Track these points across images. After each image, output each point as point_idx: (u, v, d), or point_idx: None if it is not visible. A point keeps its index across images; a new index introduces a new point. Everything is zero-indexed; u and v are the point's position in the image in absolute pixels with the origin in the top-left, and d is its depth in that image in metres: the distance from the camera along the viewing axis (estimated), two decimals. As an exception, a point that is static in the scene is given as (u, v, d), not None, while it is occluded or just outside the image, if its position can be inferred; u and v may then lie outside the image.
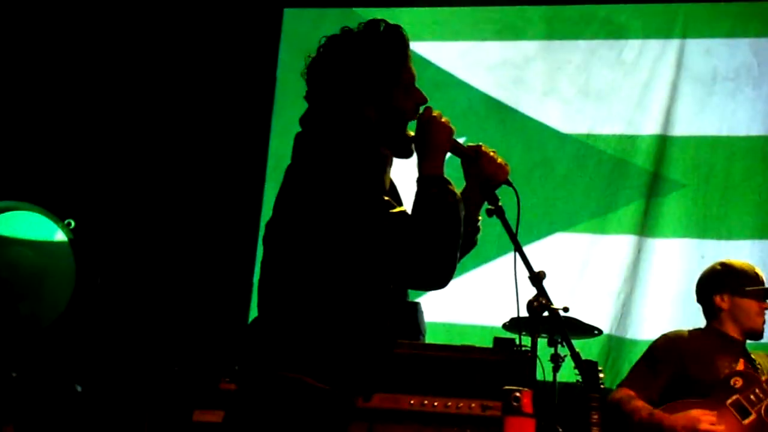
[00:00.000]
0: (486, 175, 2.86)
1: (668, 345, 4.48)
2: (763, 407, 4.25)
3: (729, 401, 4.27)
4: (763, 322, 4.48)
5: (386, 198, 2.63)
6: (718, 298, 4.48)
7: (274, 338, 2.65)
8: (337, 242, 2.59)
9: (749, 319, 4.45)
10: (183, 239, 6.48)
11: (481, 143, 2.91)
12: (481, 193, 2.89)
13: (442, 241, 2.59)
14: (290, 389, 2.60)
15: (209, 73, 6.74)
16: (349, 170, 2.61)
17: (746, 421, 4.22)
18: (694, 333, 4.52)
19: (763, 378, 4.30)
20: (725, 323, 4.46)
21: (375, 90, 2.76)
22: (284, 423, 2.59)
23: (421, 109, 2.82)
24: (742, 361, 4.41)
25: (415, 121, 2.81)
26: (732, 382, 4.33)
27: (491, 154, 2.88)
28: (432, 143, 2.74)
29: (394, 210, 2.60)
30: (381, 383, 2.78)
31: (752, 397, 4.26)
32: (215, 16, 6.85)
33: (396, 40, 2.83)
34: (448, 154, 2.81)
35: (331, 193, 2.60)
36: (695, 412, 4.20)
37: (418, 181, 2.70)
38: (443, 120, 2.77)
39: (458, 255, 2.69)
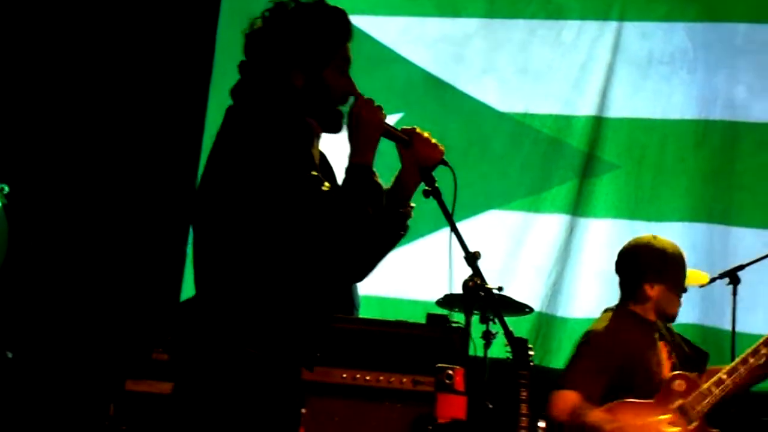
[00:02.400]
0: (421, 158, 2.86)
1: (609, 342, 4.30)
2: (704, 413, 4.29)
3: (674, 406, 4.29)
4: (680, 306, 4.43)
5: (314, 173, 2.64)
6: (647, 287, 4.36)
7: (215, 312, 2.66)
8: (267, 218, 2.61)
9: (669, 306, 4.38)
10: (117, 209, 6.40)
11: (415, 126, 2.91)
12: (419, 174, 2.89)
13: (358, 229, 2.63)
14: (238, 359, 2.62)
15: (147, 45, 6.63)
16: (276, 145, 2.63)
17: (690, 427, 4.26)
18: (623, 326, 4.35)
19: (703, 385, 4.32)
20: (647, 309, 4.37)
21: (307, 58, 2.77)
22: (236, 390, 2.62)
23: (352, 99, 2.82)
24: (663, 346, 4.45)
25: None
26: (676, 386, 4.33)
27: (425, 135, 2.87)
28: (361, 134, 2.75)
29: (322, 188, 2.62)
30: (321, 353, 2.79)
31: (696, 401, 4.28)
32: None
33: (340, 20, 2.84)
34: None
35: (258, 170, 2.61)
36: (653, 421, 4.21)
37: (346, 169, 2.73)
38: (375, 108, 2.78)
39: (384, 246, 2.76)
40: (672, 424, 4.21)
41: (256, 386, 2.64)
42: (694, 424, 4.23)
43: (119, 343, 5.17)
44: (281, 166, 2.61)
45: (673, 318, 4.46)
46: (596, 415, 4.21)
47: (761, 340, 4.28)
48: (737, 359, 4.35)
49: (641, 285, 4.38)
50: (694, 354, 4.48)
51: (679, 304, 4.44)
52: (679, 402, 4.31)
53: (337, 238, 2.61)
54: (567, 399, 4.25)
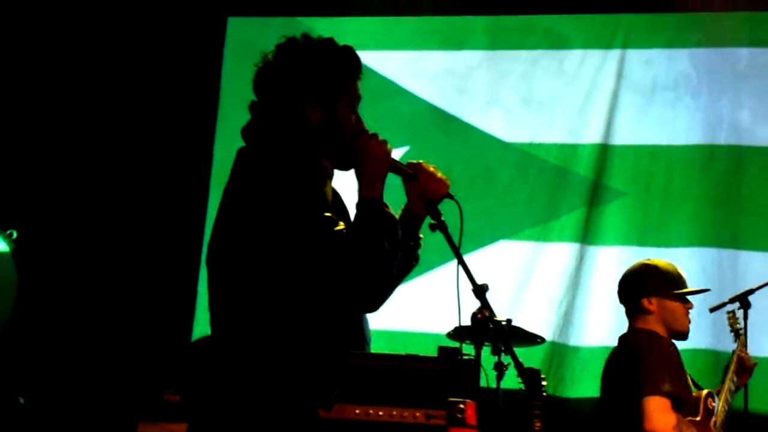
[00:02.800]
0: (427, 191, 2.87)
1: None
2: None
3: (712, 423, 4.31)
4: (689, 323, 4.46)
5: (328, 214, 2.63)
6: (645, 301, 4.41)
7: (232, 355, 2.65)
8: (282, 261, 2.60)
9: (676, 321, 4.40)
10: (126, 249, 6.41)
11: (421, 161, 2.92)
12: (425, 207, 2.90)
13: (377, 265, 2.62)
14: (256, 402, 2.61)
15: (154, 81, 6.69)
16: (289, 187, 2.62)
17: None
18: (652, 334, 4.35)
19: (720, 403, 4.36)
20: (655, 327, 4.38)
21: (322, 94, 2.77)
22: None
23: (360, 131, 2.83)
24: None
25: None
26: (709, 404, 4.34)
27: (431, 170, 2.89)
28: (369, 169, 2.75)
29: (337, 228, 2.61)
30: (338, 392, 2.79)
31: (719, 421, 4.32)
32: (160, 24, 6.79)
33: (350, 57, 2.85)
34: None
35: (273, 213, 2.60)
36: None
37: (357, 204, 2.72)
38: (380, 142, 2.78)
39: (396, 277, 2.73)
40: None
41: (274, 429, 2.62)
42: None
43: (131, 385, 5.16)
44: (296, 209, 2.60)
45: (684, 335, 4.44)
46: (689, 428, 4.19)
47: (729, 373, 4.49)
48: (728, 378, 4.41)
49: (639, 301, 4.42)
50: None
51: (686, 320, 4.44)
52: (714, 419, 4.33)
53: (355, 276, 2.59)
54: (664, 408, 4.09)
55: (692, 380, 4.43)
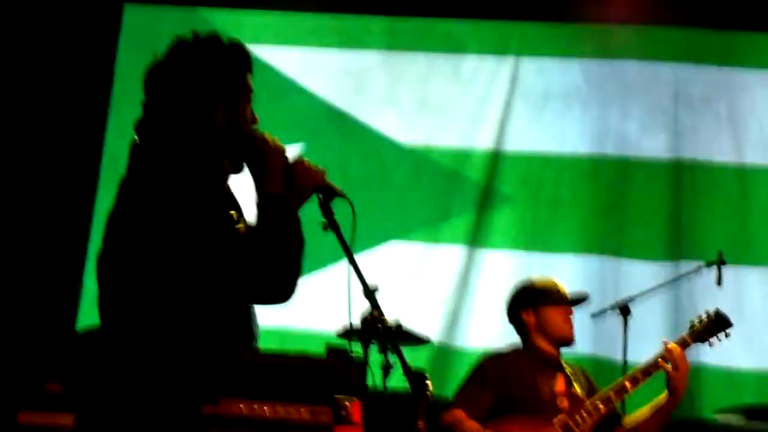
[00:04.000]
0: (299, 185, 2.79)
1: (492, 365, 4.58)
2: (587, 428, 4.40)
3: (556, 420, 4.41)
4: (571, 329, 4.61)
5: (232, 212, 2.65)
6: (524, 315, 4.62)
7: (121, 349, 2.62)
8: (179, 260, 2.57)
9: (557, 328, 4.58)
10: (12, 237, 6.24)
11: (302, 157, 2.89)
12: (303, 197, 2.86)
13: (287, 258, 2.63)
14: (142, 397, 2.59)
15: (44, 67, 6.50)
16: (187, 188, 2.60)
17: None
18: (514, 354, 4.63)
19: (588, 401, 4.45)
20: (537, 338, 4.59)
21: (224, 94, 2.74)
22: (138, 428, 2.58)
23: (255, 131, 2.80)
24: (560, 376, 4.58)
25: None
26: (558, 402, 4.48)
27: (304, 162, 2.82)
28: (269, 163, 2.73)
29: (238, 226, 2.63)
30: (225, 388, 2.80)
31: (578, 417, 4.41)
32: (54, 9, 6.60)
33: (241, 50, 2.81)
34: None
35: (171, 212, 2.57)
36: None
37: (259, 201, 2.70)
38: (275, 139, 2.77)
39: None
40: None
41: (158, 423, 2.60)
42: None
43: (11, 375, 5.03)
44: (198, 206, 2.58)
45: (568, 341, 4.61)
46: (473, 426, 4.33)
47: (640, 368, 4.45)
48: (623, 378, 4.52)
49: (518, 316, 4.65)
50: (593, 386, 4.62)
51: (567, 326, 4.60)
52: (561, 417, 4.43)
53: (266, 271, 2.59)
54: (452, 415, 4.40)
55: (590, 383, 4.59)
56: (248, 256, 2.57)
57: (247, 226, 2.68)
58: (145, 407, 2.59)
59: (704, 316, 4.66)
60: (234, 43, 2.82)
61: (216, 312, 2.67)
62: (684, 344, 4.51)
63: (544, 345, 4.59)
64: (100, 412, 2.62)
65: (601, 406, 4.44)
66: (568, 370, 4.60)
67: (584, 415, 4.41)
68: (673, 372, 4.39)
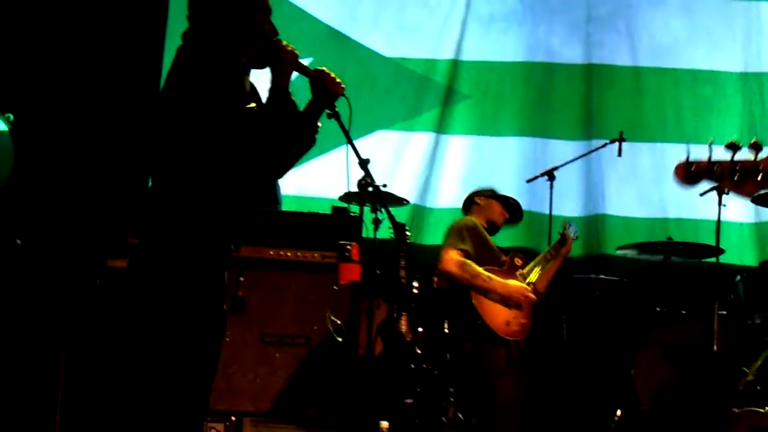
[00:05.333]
0: (328, 90, 2.84)
1: (474, 225, 4.69)
2: (536, 279, 4.61)
3: (519, 273, 4.50)
4: (502, 222, 4.83)
5: (245, 97, 2.66)
6: (477, 198, 4.82)
7: (164, 207, 2.63)
8: (207, 130, 2.59)
9: (494, 216, 4.79)
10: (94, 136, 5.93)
11: (324, 67, 2.87)
12: (325, 103, 2.86)
13: (282, 137, 2.65)
14: (179, 243, 2.59)
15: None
16: (214, 76, 2.62)
17: (531, 288, 4.56)
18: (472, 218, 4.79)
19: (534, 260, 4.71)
20: (477, 215, 4.79)
21: (243, 9, 2.74)
22: (176, 267, 2.58)
23: (275, 39, 2.80)
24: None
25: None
26: (515, 261, 4.58)
27: (332, 75, 2.86)
28: (281, 63, 2.74)
29: (249, 106, 2.64)
30: (246, 238, 2.81)
31: (530, 271, 4.63)
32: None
33: None
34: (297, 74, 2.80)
35: (201, 96, 2.59)
36: (515, 284, 4.44)
37: (270, 90, 2.72)
38: (290, 48, 2.78)
39: (298, 151, 2.76)
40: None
41: (194, 264, 2.61)
42: (532, 287, 4.47)
43: (101, 230, 4.95)
44: (218, 92, 2.60)
45: (497, 227, 4.84)
46: (477, 268, 4.39)
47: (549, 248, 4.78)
48: (553, 245, 4.62)
49: (473, 199, 4.88)
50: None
51: (501, 219, 4.85)
52: (519, 271, 4.49)
53: (265, 142, 2.61)
54: (454, 257, 4.44)
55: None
56: (252, 130, 2.59)
57: (259, 106, 2.68)
58: (183, 240, 2.60)
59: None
60: None
61: (237, 172, 2.66)
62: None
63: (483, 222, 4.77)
64: (152, 250, 2.62)
65: (537, 268, 4.60)
66: None
67: (533, 270, 4.59)
68: (565, 249, 4.77)
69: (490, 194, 4.87)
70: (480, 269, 4.45)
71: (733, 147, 2.45)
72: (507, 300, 4.41)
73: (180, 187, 2.61)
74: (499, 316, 4.41)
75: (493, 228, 4.78)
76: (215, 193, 2.63)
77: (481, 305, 4.40)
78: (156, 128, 2.68)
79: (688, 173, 2.47)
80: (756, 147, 2.43)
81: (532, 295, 4.43)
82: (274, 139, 2.62)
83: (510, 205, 4.88)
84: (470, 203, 4.88)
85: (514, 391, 4.33)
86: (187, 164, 2.60)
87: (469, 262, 4.46)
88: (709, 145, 2.49)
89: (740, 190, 2.45)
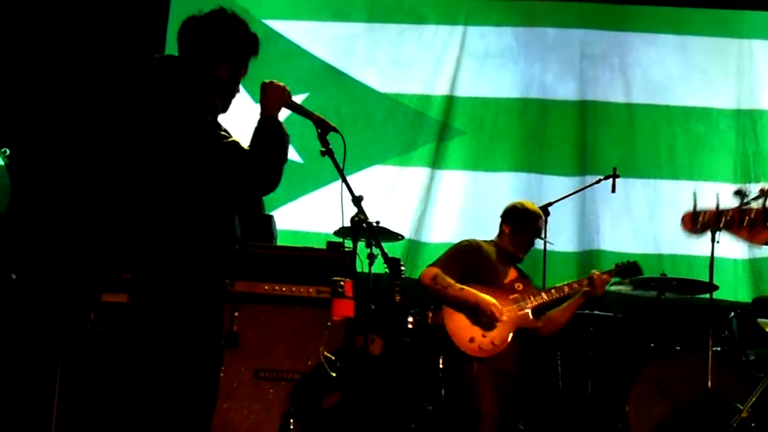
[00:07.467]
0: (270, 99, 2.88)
1: (469, 248, 4.63)
2: (532, 306, 4.49)
3: (512, 297, 4.48)
4: (526, 252, 4.74)
5: (222, 132, 2.75)
6: (505, 225, 4.70)
7: (159, 242, 2.68)
8: (190, 168, 2.67)
9: (516, 248, 4.69)
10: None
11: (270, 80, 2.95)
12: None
13: (275, 159, 2.73)
14: (177, 278, 2.64)
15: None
16: (194, 116, 2.72)
17: (521, 312, 4.46)
18: (486, 243, 4.70)
19: (535, 289, 4.60)
20: (505, 243, 4.69)
21: (232, 60, 2.85)
22: (178, 299, 2.64)
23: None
24: (512, 269, 4.65)
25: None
26: (516, 285, 4.55)
27: (274, 84, 2.90)
28: (269, 99, 2.84)
29: (228, 140, 2.72)
30: (239, 271, 2.84)
31: (527, 298, 4.50)
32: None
33: (251, 38, 2.92)
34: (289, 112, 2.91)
35: (182, 133, 2.69)
36: (487, 298, 4.40)
37: (259, 120, 2.80)
38: (279, 84, 2.87)
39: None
40: (505, 304, 4.42)
41: (195, 296, 2.66)
42: (523, 312, 4.44)
43: (95, 265, 4.98)
44: (200, 130, 2.70)
45: (519, 257, 4.72)
46: (450, 280, 4.40)
47: (574, 282, 4.62)
48: (564, 283, 4.60)
49: (502, 222, 4.73)
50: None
51: (525, 249, 4.71)
52: (515, 295, 4.51)
53: (258, 167, 2.69)
54: (431, 271, 4.44)
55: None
56: (237, 158, 2.67)
57: (236, 141, 2.75)
58: (181, 275, 2.66)
59: (626, 261, 4.73)
60: (253, 35, 2.90)
61: (223, 211, 2.74)
62: (606, 276, 4.62)
63: (507, 247, 4.68)
64: (152, 284, 2.68)
65: (544, 295, 4.53)
66: (522, 272, 4.72)
67: (530, 298, 4.51)
68: (591, 291, 4.56)
69: (515, 224, 4.80)
70: (452, 281, 4.47)
71: (741, 194, 2.40)
72: (475, 310, 4.40)
73: (173, 222, 2.66)
74: (463, 330, 4.40)
75: (508, 255, 4.75)
76: (208, 227, 2.67)
77: (449, 318, 4.42)
78: (141, 162, 2.76)
79: (696, 223, 2.42)
80: (764, 194, 2.38)
81: (496, 313, 4.40)
82: (266, 162, 2.68)
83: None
84: (500, 228, 4.84)
85: (485, 406, 4.30)
86: (177, 198, 2.66)
87: (442, 274, 4.48)
88: (716, 195, 2.46)
89: (754, 238, 2.40)
